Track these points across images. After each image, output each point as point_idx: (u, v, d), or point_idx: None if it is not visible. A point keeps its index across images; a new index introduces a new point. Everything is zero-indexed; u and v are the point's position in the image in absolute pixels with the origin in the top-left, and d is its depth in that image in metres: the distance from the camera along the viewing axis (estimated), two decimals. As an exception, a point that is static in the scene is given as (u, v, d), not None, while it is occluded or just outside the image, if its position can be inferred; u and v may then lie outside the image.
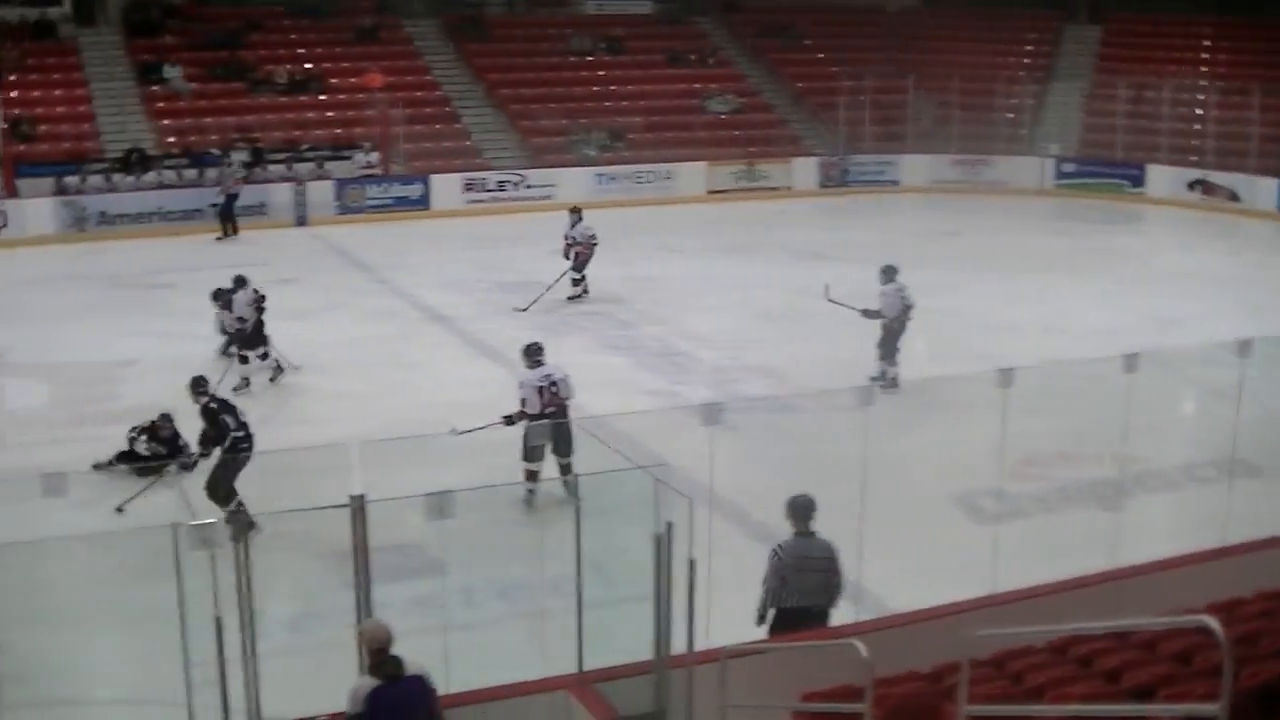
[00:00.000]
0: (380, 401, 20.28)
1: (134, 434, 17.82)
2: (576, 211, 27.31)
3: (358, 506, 9.42)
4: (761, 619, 11.28)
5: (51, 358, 23.14)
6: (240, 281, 21.68)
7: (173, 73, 38.70)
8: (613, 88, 43.48)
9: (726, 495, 14.49)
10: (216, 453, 15.65)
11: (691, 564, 9.36)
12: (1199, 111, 40.40)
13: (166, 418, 17.63)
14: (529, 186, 38.23)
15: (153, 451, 17.43)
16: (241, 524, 9.92)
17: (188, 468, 16.42)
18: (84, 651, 12.69)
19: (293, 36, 42.11)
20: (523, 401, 16.33)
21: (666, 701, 9.86)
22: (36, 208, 33.72)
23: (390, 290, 27.59)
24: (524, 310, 25.92)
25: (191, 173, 35.86)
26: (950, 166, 41.78)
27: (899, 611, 11.68)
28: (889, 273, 21.33)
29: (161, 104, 38.31)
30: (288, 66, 40.26)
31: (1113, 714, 8.05)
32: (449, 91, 41.54)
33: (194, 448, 16.29)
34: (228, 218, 33.79)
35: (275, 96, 39.42)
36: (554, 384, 16.39)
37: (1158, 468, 17.47)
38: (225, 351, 21.91)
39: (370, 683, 8.64)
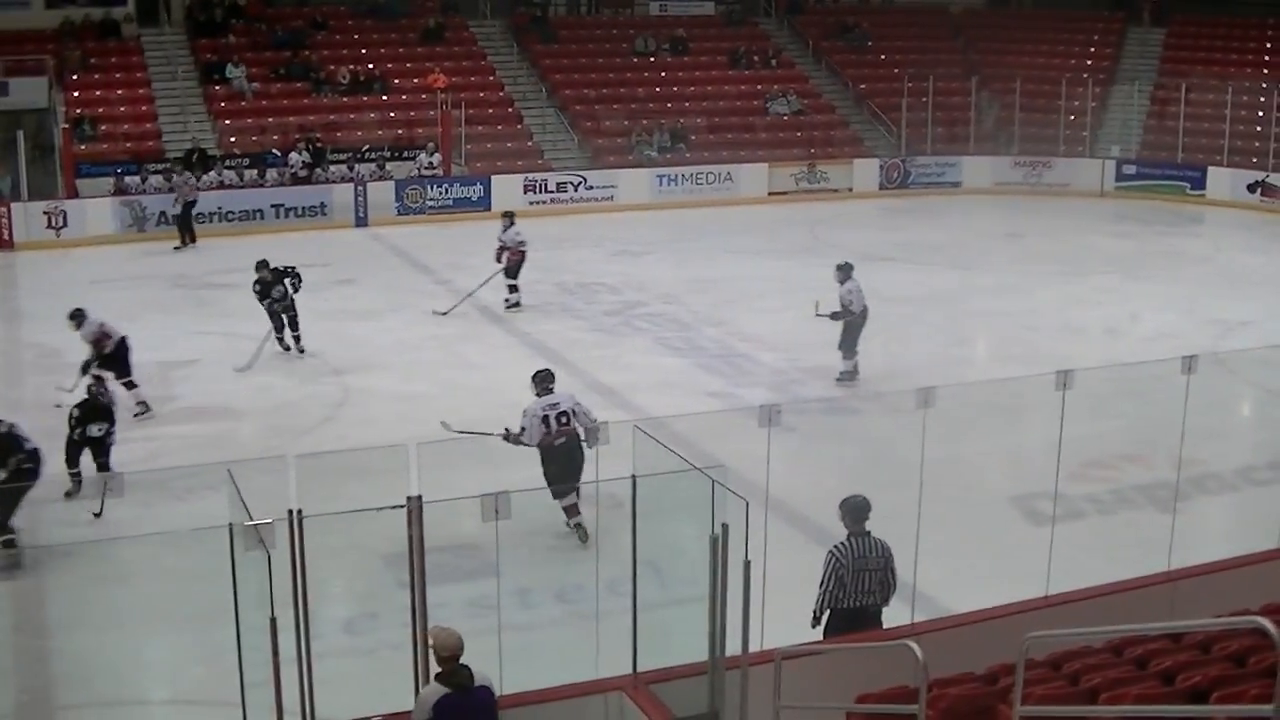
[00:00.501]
0: (440, 402, 20.32)
1: None
2: (508, 216, 27.12)
3: (414, 507, 9.45)
4: (817, 621, 11.26)
5: (111, 358, 23.28)
6: (77, 315, 20.32)
7: (236, 72, 38.94)
8: (675, 89, 43.48)
9: (783, 497, 14.50)
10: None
11: (747, 565, 9.35)
12: (1260, 114, 40.08)
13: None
14: (589, 188, 38.29)
15: None
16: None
17: None
18: (139, 652, 12.79)
19: (356, 37, 42.32)
20: (521, 430, 15.29)
21: (721, 702, 9.86)
22: (97, 207, 34.01)
23: (450, 291, 27.68)
24: (444, 314, 25.91)
25: (252, 173, 36.15)
26: (1012, 168, 41.58)
27: (954, 613, 11.68)
28: (845, 270, 21.24)
29: (223, 104, 38.60)
30: (351, 66, 40.44)
31: (1168, 715, 8.03)
32: (512, 92, 41.64)
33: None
34: (185, 227, 33.19)
35: (337, 97, 39.63)
36: (562, 414, 15.25)
37: (1216, 470, 17.35)
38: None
39: (439, 690, 8.64)
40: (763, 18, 47.17)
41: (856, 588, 11.12)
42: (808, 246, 32.79)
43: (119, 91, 38.41)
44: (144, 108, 38.01)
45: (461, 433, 15.95)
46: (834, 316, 21.05)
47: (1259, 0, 43.96)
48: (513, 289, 26.54)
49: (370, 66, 40.80)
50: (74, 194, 34.31)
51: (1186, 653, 9.00)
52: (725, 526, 9.42)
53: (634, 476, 9.79)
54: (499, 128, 40.12)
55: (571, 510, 15.08)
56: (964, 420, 18.17)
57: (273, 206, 34.89)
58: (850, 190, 40.80)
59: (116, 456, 16.90)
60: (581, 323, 25.53)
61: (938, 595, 12.57)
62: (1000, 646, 9.36)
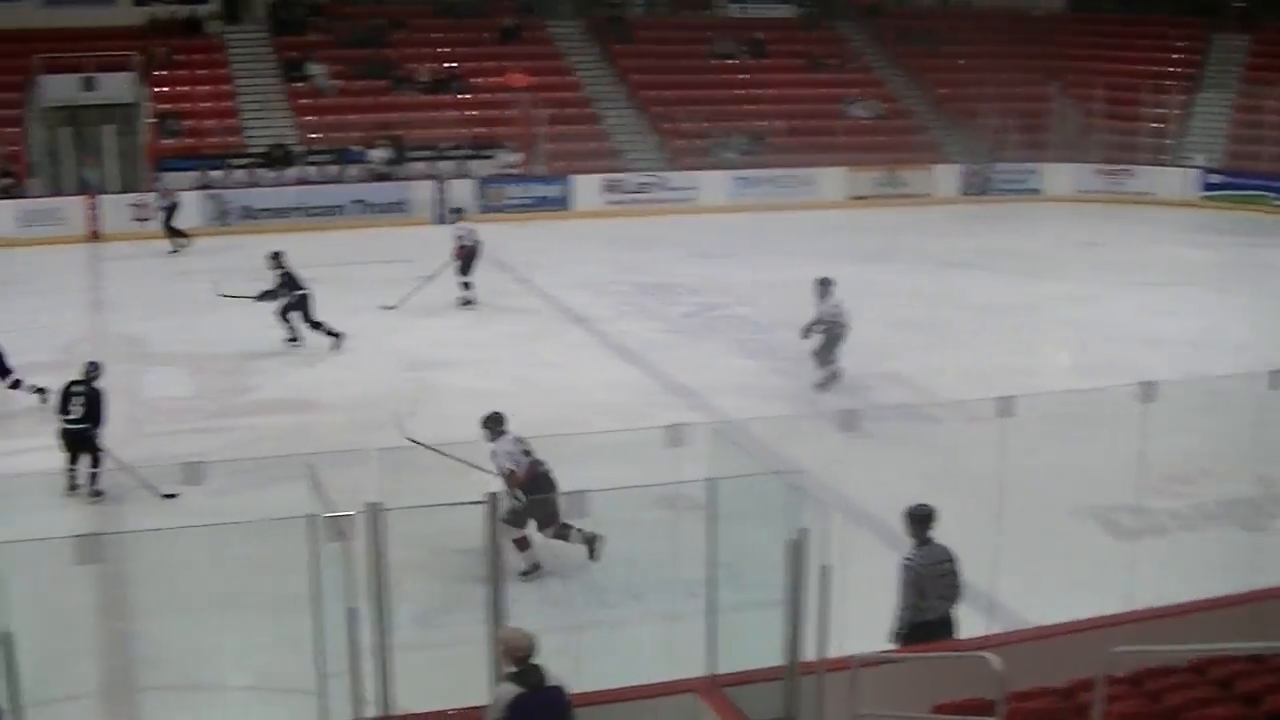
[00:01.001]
0: (518, 400, 20.29)
1: None
2: (457, 211, 28.44)
3: (492, 504, 9.47)
4: (899, 638, 11.12)
5: (190, 349, 23.58)
6: None
7: (317, 70, 39.31)
8: (753, 91, 43.42)
9: (861, 503, 14.44)
10: None
11: (824, 570, 9.31)
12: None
13: None
14: (669, 189, 38.31)
15: None
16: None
17: None
18: (218, 638, 12.87)
19: (436, 35, 42.62)
20: (510, 472, 14.09)
21: (796, 708, 9.82)
22: (182, 201, 34.08)
23: (529, 290, 27.74)
24: (393, 308, 25.90)
25: (333, 169, 36.40)
26: (1093, 176, 41.26)
27: (1032, 625, 11.57)
28: (826, 284, 21.23)
29: (305, 100, 38.98)
30: (430, 65, 40.70)
31: (1252, 737, 7.93)
32: (591, 92, 41.77)
33: None
34: (175, 231, 32.84)
35: (417, 95, 39.88)
36: (527, 452, 14.27)
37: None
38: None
39: (513, 689, 8.61)
40: (840, 21, 47.01)
41: (936, 595, 11.05)
42: (887, 251, 32.64)
43: (203, 88, 38.89)
44: (227, 104, 38.48)
45: (424, 446, 15.10)
46: (827, 334, 21.13)
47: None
48: (465, 285, 26.66)
49: (449, 65, 41.09)
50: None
51: (1271, 675, 8.89)
52: (803, 531, 9.39)
53: (712, 479, 9.76)
54: (578, 127, 40.16)
55: (563, 531, 14.17)
56: (1042, 430, 18.03)
57: (354, 202, 35.10)
58: (930, 196, 40.72)
59: (194, 445, 17.03)
60: (659, 323, 25.50)
61: (1016, 606, 12.48)
62: (1079, 661, 9.28)
